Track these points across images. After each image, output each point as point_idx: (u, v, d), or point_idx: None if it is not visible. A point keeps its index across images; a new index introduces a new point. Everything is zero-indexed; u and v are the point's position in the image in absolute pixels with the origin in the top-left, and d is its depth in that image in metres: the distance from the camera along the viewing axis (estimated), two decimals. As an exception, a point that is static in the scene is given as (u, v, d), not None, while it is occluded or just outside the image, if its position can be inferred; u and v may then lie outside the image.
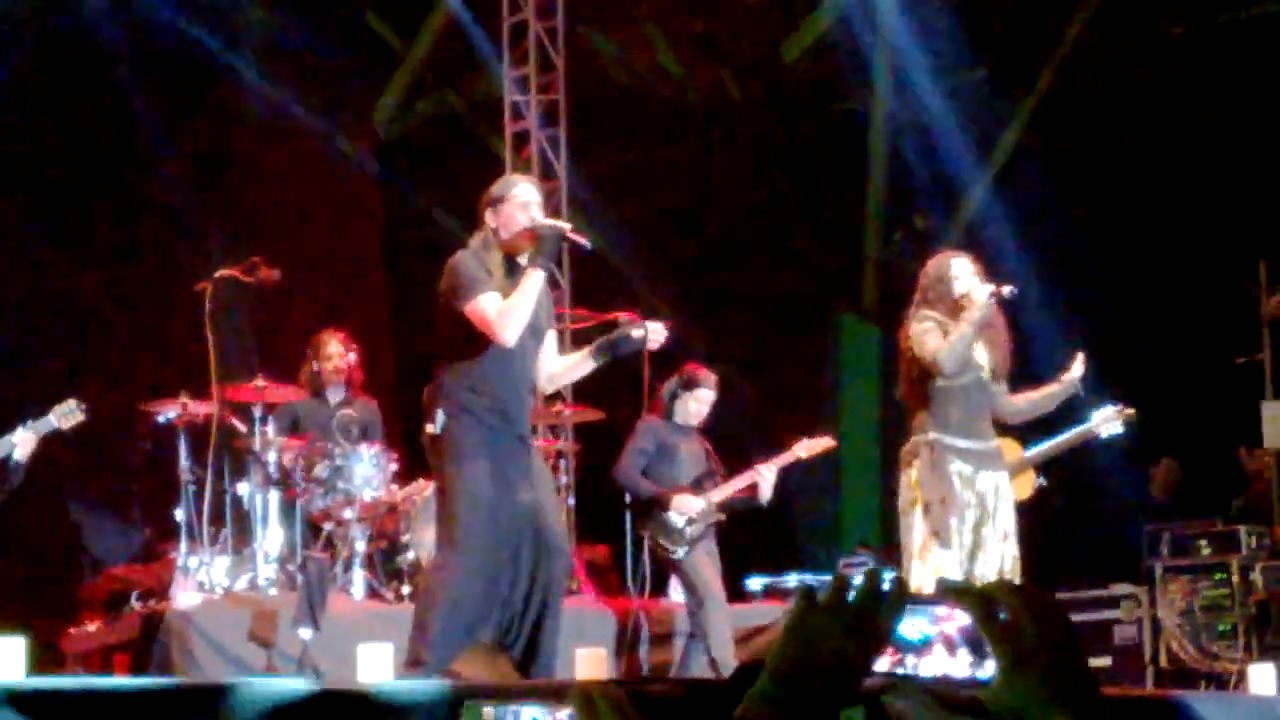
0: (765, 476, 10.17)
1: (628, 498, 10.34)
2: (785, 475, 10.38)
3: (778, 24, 17.28)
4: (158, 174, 14.02)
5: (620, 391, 10.76)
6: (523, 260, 7.39)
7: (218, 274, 10.16)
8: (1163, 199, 15.91)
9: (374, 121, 16.14)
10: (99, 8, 13.72)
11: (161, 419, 10.18)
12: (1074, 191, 16.21)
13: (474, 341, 7.35)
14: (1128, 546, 12.42)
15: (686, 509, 10.03)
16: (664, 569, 10.43)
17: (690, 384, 10.29)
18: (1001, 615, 1.95)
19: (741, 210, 16.96)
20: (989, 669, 1.94)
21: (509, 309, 7.27)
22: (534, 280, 7.31)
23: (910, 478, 8.37)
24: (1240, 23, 15.96)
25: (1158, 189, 15.98)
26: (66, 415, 9.48)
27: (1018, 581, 8.21)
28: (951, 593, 1.98)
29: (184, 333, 10.45)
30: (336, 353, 10.85)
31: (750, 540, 10.48)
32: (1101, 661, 11.45)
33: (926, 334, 8.36)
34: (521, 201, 7.50)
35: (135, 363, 12.78)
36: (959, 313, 8.35)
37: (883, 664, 1.95)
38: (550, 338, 7.77)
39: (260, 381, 10.17)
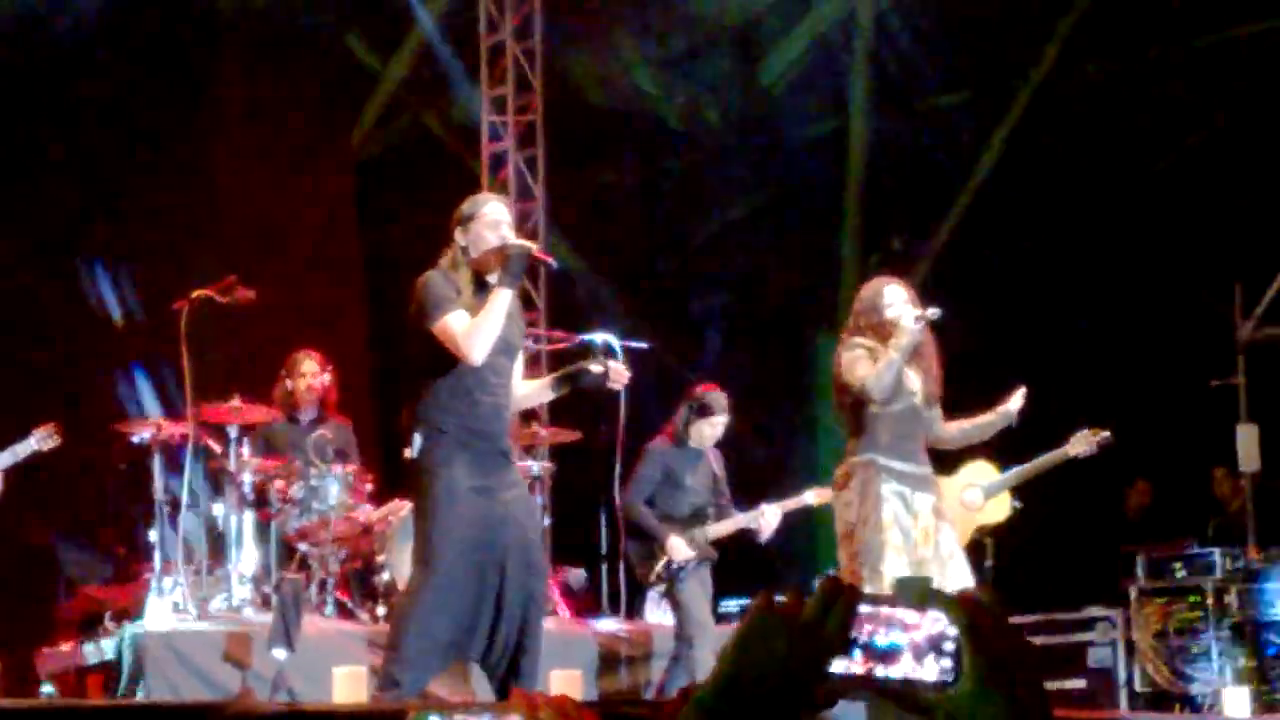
0: (768, 521, 10.16)
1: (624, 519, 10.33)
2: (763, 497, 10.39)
3: (755, 46, 17.31)
4: (135, 193, 13.98)
5: (597, 413, 10.76)
6: (492, 279, 7.38)
7: (194, 294, 10.13)
8: (1139, 222, 15.95)
9: (351, 141, 16.13)
10: (74, 20, 13.70)
11: (136, 439, 10.15)
12: (1051, 214, 16.24)
13: (445, 361, 7.34)
14: (1102, 569, 12.43)
15: (677, 556, 10.01)
16: (642, 590, 10.43)
17: (705, 410, 10.24)
18: (981, 627, 1.96)
19: (718, 231, 16.97)
20: (943, 671, 1.94)
21: (476, 328, 7.26)
22: (501, 299, 7.30)
23: (844, 499, 8.36)
24: (1217, 45, 16.02)
25: (1134, 212, 16.02)
26: (44, 440, 9.51)
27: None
28: (931, 597, 1.98)
29: (160, 353, 10.42)
30: (311, 372, 10.84)
31: (725, 562, 10.45)
32: (1076, 684, 11.46)
33: (856, 361, 8.36)
34: (491, 220, 7.48)
35: (110, 382, 12.75)
36: (888, 339, 8.36)
37: (840, 667, 1.94)
38: (519, 355, 7.77)
39: (236, 402, 10.15)
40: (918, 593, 1.97)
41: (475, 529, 7.28)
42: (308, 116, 15.31)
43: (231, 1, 14.70)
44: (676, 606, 10.06)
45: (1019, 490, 10.82)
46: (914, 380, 8.47)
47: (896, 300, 8.47)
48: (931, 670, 1.94)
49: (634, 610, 10.94)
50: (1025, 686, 1.95)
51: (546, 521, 12.16)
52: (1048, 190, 16.37)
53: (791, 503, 10.23)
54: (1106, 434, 10.14)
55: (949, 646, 1.94)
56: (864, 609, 1.96)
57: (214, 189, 14.45)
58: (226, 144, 14.64)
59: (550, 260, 7.72)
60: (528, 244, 7.54)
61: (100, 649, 9.68)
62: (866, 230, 17.49)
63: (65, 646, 10.35)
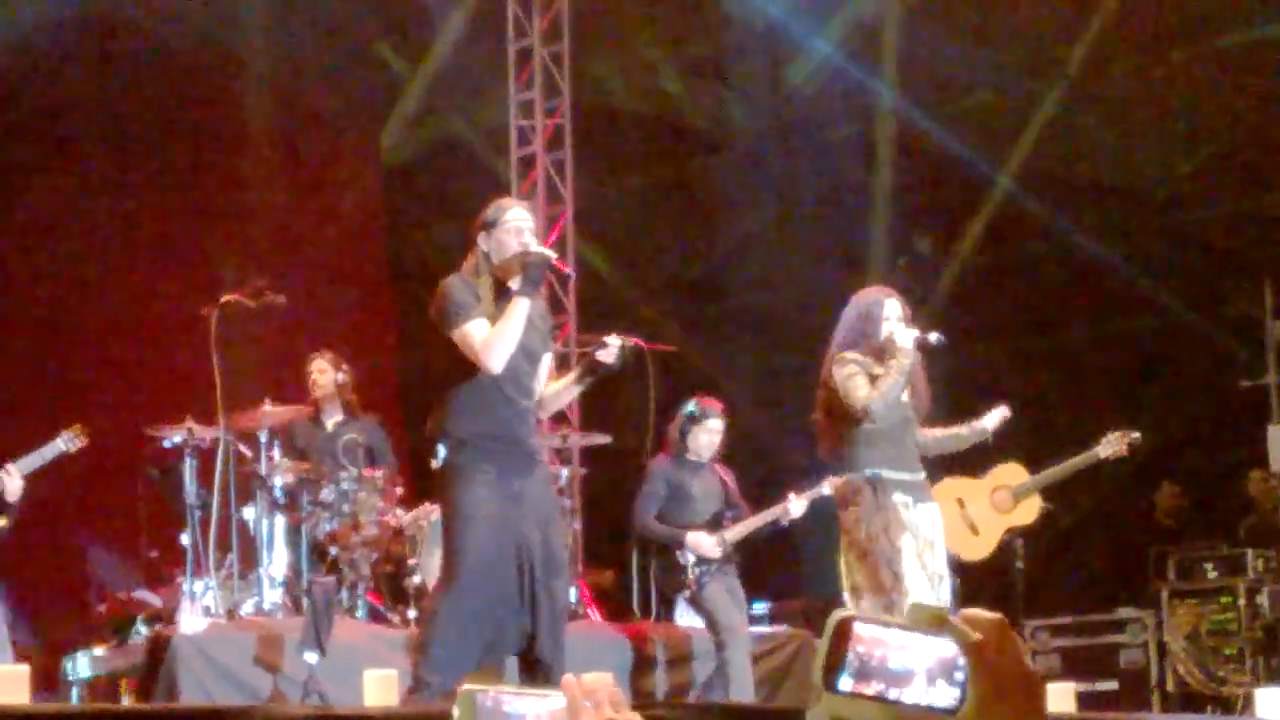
0: (794, 510, 10.11)
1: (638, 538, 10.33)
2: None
3: (783, 48, 17.30)
4: (165, 197, 14.02)
5: (627, 416, 10.77)
6: (513, 286, 7.38)
7: (223, 298, 10.16)
8: (1169, 223, 15.92)
9: (380, 147, 16.15)
10: (96, 24, 13.74)
11: (167, 443, 10.18)
12: (1079, 214, 16.22)
13: (467, 368, 7.35)
14: (1134, 570, 12.41)
15: (700, 549, 9.99)
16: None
17: (697, 417, 10.23)
18: (989, 651, 1.98)
19: (746, 234, 16.96)
20: (949, 696, 1.97)
21: (495, 336, 7.27)
22: (520, 307, 7.30)
23: (854, 515, 8.29)
24: (1244, 45, 15.98)
25: (1164, 212, 16.00)
26: (71, 440, 9.54)
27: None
28: (936, 620, 2.00)
29: (190, 357, 10.44)
30: (317, 369, 10.87)
31: (751, 564, 10.45)
32: (1108, 685, 11.45)
33: (852, 380, 8.27)
34: (514, 226, 7.47)
35: (141, 387, 12.78)
36: (881, 355, 8.31)
37: (848, 685, 1.96)
38: (545, 361, 7.75)
39: (266, 406, 10.17)
40: (928, 617, 1.99)
41: (500, 535, 7.30)
42: (336, 122, 15.34)
43: (261, 6, 14.70)
44: (703, 612, 10.05)
45: (1049, 492, 10.81)
46: (905, 394, 8.43)
47: (893, 315, 8.41)
48: (943, 695, 1.95)
49: (665, 614, 10.93)
50: (1029, 713, 1.97)
51: (576, 525, 12.17)
52: (1076, 191, 16.34)
53: (811, 493, 10.19)
54: (1136, 435, 10.14)
55: (959, 675, 1.96)
56: (877, 632, 1.97)
57: (242, 194, 14.47)
58: (255, 149, 14.65)
59: (567, 270, 7.76)
60: (548, 252, 7.54)
61: (132, 652, 9.72)
62: (894, 232, 17.47)
63: (98, 652, 10.38)
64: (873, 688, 1.96)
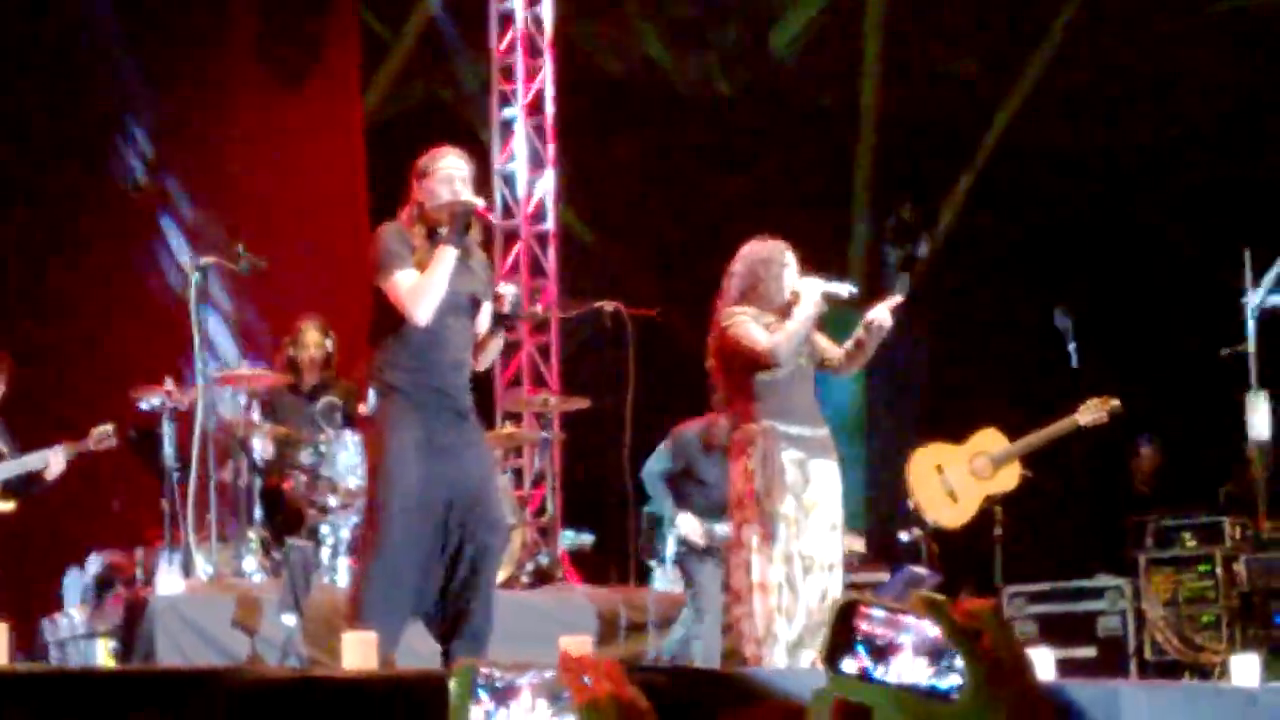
0: None
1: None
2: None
3: (766, 13, 17.28)
4: (141, 159, 13.97)
5: (607, 380, 10.77)
6: (440, 234, 7.30)
7: (203, 260, 10.13)
8: (1149, 189, 15.93)
9: (362, 109, 16.10)
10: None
11: (145, 406, 10.16)
12: (1060, 180, 16.22)
13: (398, 318, 7.27)
14: (1111, 538, 12.43)
15: (687, 530, 10.01)
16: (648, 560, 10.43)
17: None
18: (981, 637, 2.01)
19: (729, 200, 16.93)
20: (949, 680, 1.99)
21: (420, 287, 7.19)
22: (445, 255, 7.20)
23: (744, 466, 8.10)
24: (1230, 14, 15.98)
25: (1144, 179, 16.00)
26: (101, 439, 9.58)
27: (838, 579, 8.13)
28: (932, 609, 2.03)
29: (169, 319, 10.43)
30: (313, 340, 10.84)
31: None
32: (1085, 653, 11.46)
33: (747, 327, 8.07)
34: (446, 175, 7.39)
35: (119, 349, 12.74)
36: (772, 304, 8.16)
37: (850, 667, 1.99)
38: (484, 310, 7.60)
39: (245, 368, 10.16)
40: (921, 602, 2.02)
41: (426, 486, 7.18)
42: (318, 84, 15.28)
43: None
44: (689, 582, 10.06)
45: (1028, 459, 10.82)
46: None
47: (793, 263, 8.29)
48: (945, 678, 1.98)
49: (641, 579, 10.94)
50: (1023, 698, 1.99)
51: (556, 489, 12.17)
52: (1058, 158, 16.34)
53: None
54: (1116, 402, 10.15)
55: (955, 660, 1.99)
56: (881, 615, 2.02)
57: (223, 156, 14.42)
58: (236, 112, 14.60)
59: (489, 218, 7.62)
60: (474, 199, 7.38)
61: (109, 614, 9.72)
62: (877, 199, 17.46)
63: (75, 612, 10.39)
64: (876, 670, 1.99)
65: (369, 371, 7.43)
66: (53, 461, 9.49)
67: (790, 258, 8.29)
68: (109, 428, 9.68)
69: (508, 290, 7.58)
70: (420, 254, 7.29)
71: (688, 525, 10.02)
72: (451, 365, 7.39)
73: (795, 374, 8.17)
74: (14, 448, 9.58)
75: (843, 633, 2.00)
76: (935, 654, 2.01)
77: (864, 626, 2.01)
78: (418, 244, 7.32)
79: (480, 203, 7.43)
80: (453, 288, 7.28)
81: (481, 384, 14.32)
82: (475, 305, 7.51)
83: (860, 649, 2.01)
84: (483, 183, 14.56)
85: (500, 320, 7.62)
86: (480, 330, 7.58)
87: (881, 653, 2.01)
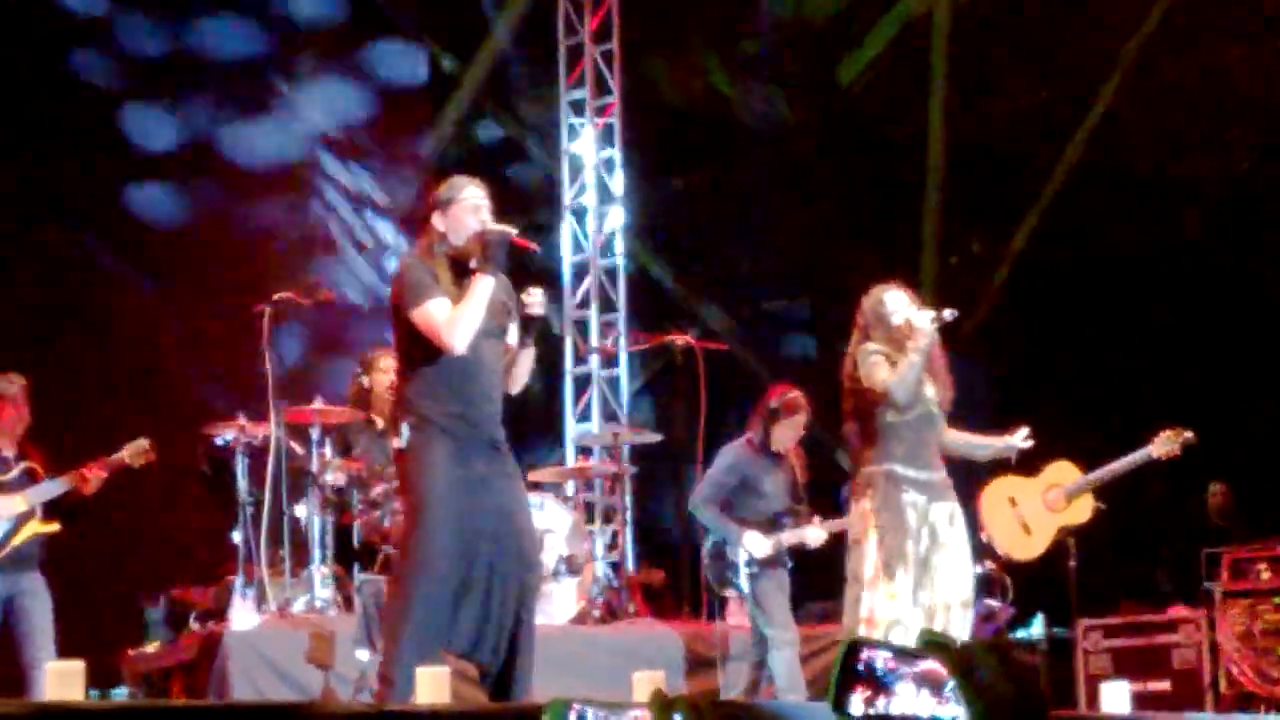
0: (809, 539, 10.05)
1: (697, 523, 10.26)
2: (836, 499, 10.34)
3: (833, 45, 17.28)
4: (212, 194, 14.07)
5: (678, 414, 10.76)
6: (473, 265, 7.21)
7: (276, 296, 10.18)
8: (1222, 220, 15.84)
9: (431, 144, 16.18)
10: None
11: (220, 441, 10.20)
12: (1132, 212, 16.15)
13: (429, 349, 7.20)
14: (1187, 570, 12.35)
15: (754, 549, 9.95)
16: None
17: (782, 411, 10.14)
18: (979, 673, 2.03)
19: (797, 233, 16.93)
20: (951, 712, 2.03)
21: (458, 316, 7.12)
22: (483, 285, 7.14)
23: (864, 507, 8.21)
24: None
25: (1217, 209, 15.91)
26: (138, 454, 9.61)
27: (969, 617, 8.17)
28: (932, 647, 2.06)
29: (242, 355, 10.48)
30: (389, 368, 10.84)
31: (807, 561, 10.42)
32: (1161, 686, 11.39)
33: (875, 366, 8.18)
34: (472, 204, 7.31)
35: (193, 384, 12.82)
36: (901, 345, 8.24)
37: (856, 703, 2.03)
38: (511, 336, 7.52)
39: (318, 403, 10.18)
40: (929, 643, 2.04)
41: (462, 520, 7.11)
42: (387, 120, 15.36)
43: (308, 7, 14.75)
44: (755, 608, 10.02)
45: (1102, 491, 10.76)
46: (928, 387, 8.36)
47: (900, 305, 8.34)
48: (928, 704, 2.01)
49: (714, 613, 10.92)
50: None
51: (627, 524, 12.16)
52: (1128, 188, 16.27)
53: (833, 523, 10.08)
54: (1189, 434, 10.08)
55: (957, 693, 2.01)
56: (886, 655, 2.09)
57: (293, 191, 14.51)
58: (306, 147, 14.69)
59: (533, 247, 7.50)
60: (508, 229, 7.30)
61: (184, 649, 9.76)
62: (946, 232, 17.42)
63: (151, 647, 10.44)
64: (882, 707, 2.02)
65: (401, 404, 7.37)
66: (89, 477, 9.51)
67: (898, 297, 8.33)
68: (144, 442, 9.69)
69: (535, 292, 7.50)
70: (445, 285, 7.22)
71: (754, 542, 9.96)
72: (484, 395, 7.31)
73: (923, 418, 8.25)
74: (50, 470, 9.63)
75: (849, 672, 2.04)
76: (938, 688, 2.03)
77: (869, 664, 2.04)
78: (441, 275, 7.24)
79: (514, 231, 7.35)
80: (485, 316, 7.24)
81: (552, 417, 14.43)
82: (504, 333, 7.47)
83: (866, 686, 2.04)
84: (553, 218, 14.66)
85: (529, 325, 7.50)
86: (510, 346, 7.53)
87: (886, 688, 2.03)
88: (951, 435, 8.58)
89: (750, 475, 10.09)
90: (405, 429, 7.23)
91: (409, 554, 7.24)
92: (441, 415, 7.19)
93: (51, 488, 9.49)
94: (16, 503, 9.38)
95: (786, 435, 10.15)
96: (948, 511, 8.27)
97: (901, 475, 8.18)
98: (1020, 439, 8.72)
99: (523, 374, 7.61)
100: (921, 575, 8.10)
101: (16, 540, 9.36)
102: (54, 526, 9.52)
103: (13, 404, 9.57)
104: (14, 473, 9.50)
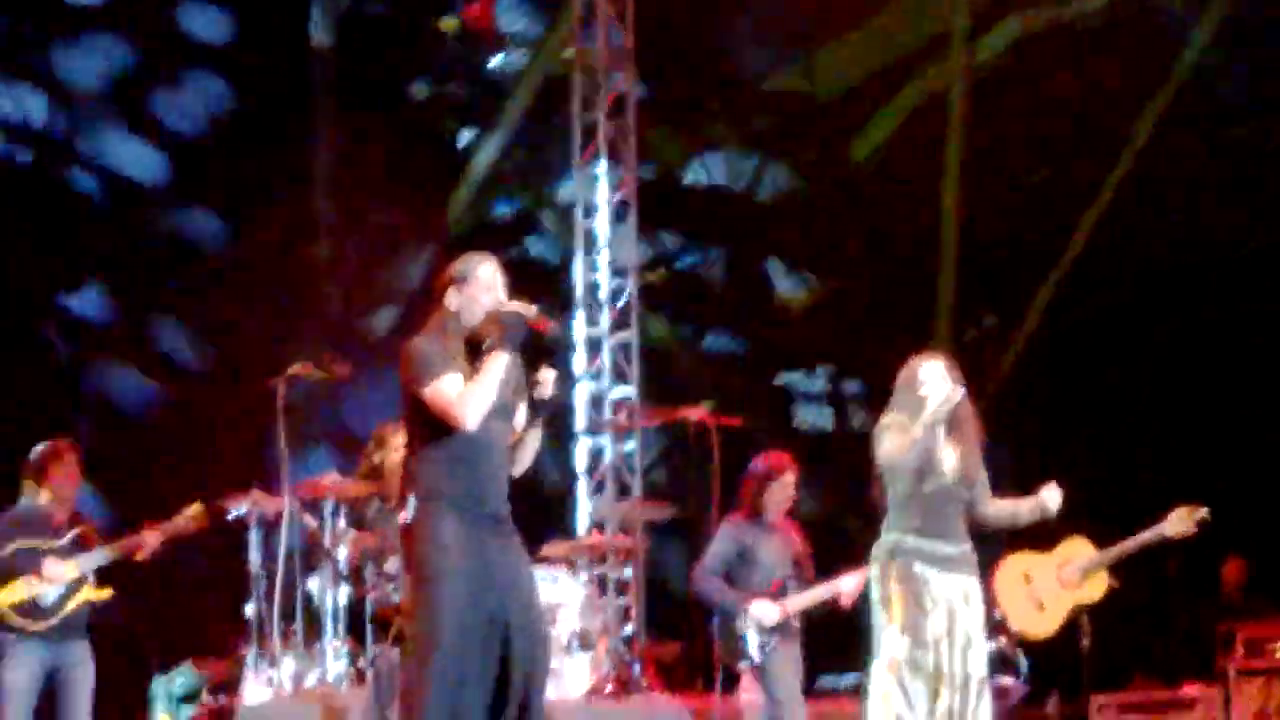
0: (846, 587, 10.00)
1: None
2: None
3: (846, 123, 17.35)
4: (229, 270, 14.13)
5: (691, 487, 10.76)
6: (486, 343, 7.09)
7: (290, 370, 10.19)
8: (1232, 298, 15.86)
9: (446, 219, 16.24)
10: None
11: (233, 514, 10.20)
12: (1144, 290, 16.18)
13: (439, 426, 7.09)
14: (1201, 647, 12.32)
15: (763, 618, 9.90)
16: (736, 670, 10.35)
17: (771, 474, 10.14)
18: None
19: (811, 307, 16.97)
20: None
21: (471, 393, 7.01)
22: (498, 363, 7.03)
23: (872, 576, 8.23)
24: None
25: (1229, 286, 15.93)
26: (192, 519, 9.60)
27: (987, 694, 8.15)
28: None
29: (256, 429, 10.50)
30: (401, 445, 10.82)
31: (819, 637, 10.39)
32: (1176, 763, 11.36)
33: (884, 432, 8.21)
34: (486, 283, 7.19)
35: (208, 458, 12.83)
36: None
37: None
38: (520, 410, 7.38)
39: (333, 476, 10.18)
40: None
41: (471, 597, 7.02)
42: (402, 194, 15.42)
43: (327, 81, 14.84)
44: (765, 681, 9.98)
45: (1116, 568, 10.74)
46: (949, 458, 8.32)
47: (932, 377, 8.33)
48: None
49: (727, 687, 10.88)
50: None
51: (640, 598, 12.16)
52: (1140, 267, 16.30)
53: (860, 572, 10.06)
54: (1204, 512, 10.06)
55: None
56: None
57: (309, 265, 14.56)
58: (322, 220, 14.75)
59: (548, 327, 7.43)
60: (525, 308, 7.18)
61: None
62: (960, 307, 17.43)
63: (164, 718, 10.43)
64: None
65: (409, 479, 7.34)
66: (147, 541, 9.51)
67: (934, 370, 8.32)
68: (199, 507, 9.68)
69: (547, 374, 7.45)
70: (457, 361, 7.12)
71: (761, 610, 9.92)
72: (492, 473, 7.24)
73: (938, 492, 8.20)
74: (103, 537, 9.63)
75: None
76: None
77: None
78: (452, 352, 7.13)
79: (532, 311, 7.25)
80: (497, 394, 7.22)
81: (566, 491, 14.43)
82: (513, 412, 7.41)
83: None
84: (567, 293, 14.70)
85: (538, 409, 7.38)
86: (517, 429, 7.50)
87: None
88: (996, 506, 8.52)
89: (746, 546, 10.04)
90: (412, 503, 7.19)
91: (416, 629, 7.19)
92: (449, 492, 7.14)
93: (105, 554, 9.48)
94: (69, 569, 9.37)
95: (777, 499, 10.09)
96: (961, 587, 8.22)
97: (912, 547, 8.15)
98: (1052, 498, 8.62)
99: (528, 456, 7.50)
100: (935, 651, 8.07)
101: (69, 607, 9.35)
102: (106, 593, 9.51)
103: (64, 469, 9.57)
104: (66, 539, 9.49)
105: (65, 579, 9.33)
